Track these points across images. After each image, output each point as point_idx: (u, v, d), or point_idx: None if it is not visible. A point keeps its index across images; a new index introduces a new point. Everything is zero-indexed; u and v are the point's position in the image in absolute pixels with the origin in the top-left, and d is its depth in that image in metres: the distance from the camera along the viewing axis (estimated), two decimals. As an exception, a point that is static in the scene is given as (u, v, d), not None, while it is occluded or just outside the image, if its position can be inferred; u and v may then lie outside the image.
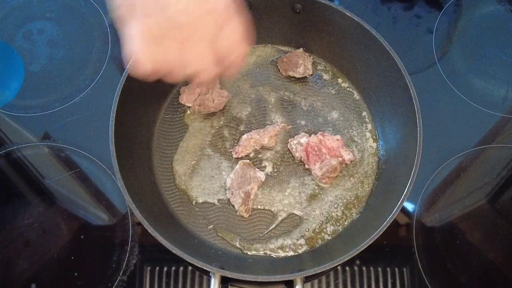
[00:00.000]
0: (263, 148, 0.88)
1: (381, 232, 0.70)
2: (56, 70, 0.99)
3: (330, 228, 0.83)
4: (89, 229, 0.87)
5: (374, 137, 0.90)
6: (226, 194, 0.84)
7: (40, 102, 0.96)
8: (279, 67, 0.94)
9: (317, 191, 0.85)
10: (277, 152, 0.88)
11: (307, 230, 0.83)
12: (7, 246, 0.86)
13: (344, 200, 0.84)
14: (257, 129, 0.88)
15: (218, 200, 0.85)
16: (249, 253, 0.81)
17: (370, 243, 0.69)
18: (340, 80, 0.94)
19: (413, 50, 1.03)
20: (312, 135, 0.87)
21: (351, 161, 0.86)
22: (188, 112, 0.91)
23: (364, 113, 0.92)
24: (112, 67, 0.99)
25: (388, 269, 0.86)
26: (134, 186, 0.77)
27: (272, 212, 0.84)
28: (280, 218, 0.83)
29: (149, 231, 0.70)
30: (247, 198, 0.82)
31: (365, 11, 1.06)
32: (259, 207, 0.85)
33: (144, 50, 0.54)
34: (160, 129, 0.90)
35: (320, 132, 0.88)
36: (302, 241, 0.82)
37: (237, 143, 0.88)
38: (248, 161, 0.86)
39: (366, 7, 1.07)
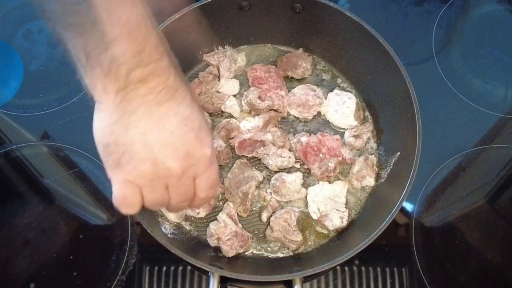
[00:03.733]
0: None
1: (380, 232, 0.70)
2: (56, 69, 0.99)
3: (329, 228, 0.83)
4: (88, 228, 0.87)
5: (374, 137, 0.90)
6: (224, 193, 0.84)
7: (39, 101, 0.96)
8: (278, 67, 0.94)
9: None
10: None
11: (306, 230, 0.83)
12: (6, 246, 0.86)
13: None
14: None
15: (218, 199, 0.85)
16: (248, 253, 0.81)
17: (369, 243, 0.70)
18: (339, 80, 0.94)
19: (412, 50, 1.03)
20: (312, 134, 0.87)
21: (351, 161, 0.86)
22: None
23: (364, 113, 0.92)
24: (111, 66, 0.99)
25: (387, 269, 0.86)
26: (133, 186, 0.77)
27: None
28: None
29: (148, 231, 0.70)
30: (245, 198, 0.82)
31: (365, 10, 1.06)
32: (258, 206, 0.85)
33: (132, 194, 0.57)
34: (160, 129, 0.90)
35: (319, 132, 0.88)
36: (301, 241, 0.81)
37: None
38: (245, 160, 0.86)
39: (365, 5, 1.08)
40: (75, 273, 0.84)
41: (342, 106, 0.89)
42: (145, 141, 0.54)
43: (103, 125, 0.56)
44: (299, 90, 0.91)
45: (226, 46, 0.95)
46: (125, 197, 0.56)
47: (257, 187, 0.85)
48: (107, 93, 0.53)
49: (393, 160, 0.83)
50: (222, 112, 0.91)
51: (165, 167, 0.55)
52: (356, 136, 0.88)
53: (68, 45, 0.52)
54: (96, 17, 0.48)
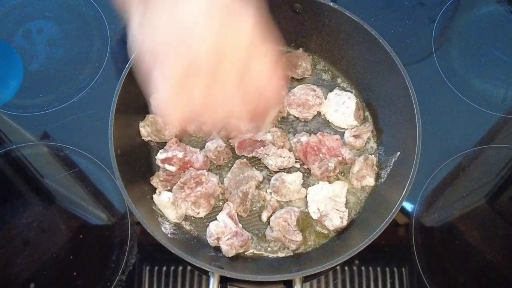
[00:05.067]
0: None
1: (380, 232, 0.70)
2: (55, 69, 0.99)
3: (329, 228, 0.82)
4: (88, 228, 0.87)
5: (374, 137, 0.90)
6: (224, 193, 0.84)
7: (39, 101, 0.96)
8: (278, 67, 0.94)
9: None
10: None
11: (306, 230, 0.83)
12: (6, 246, 0.86)
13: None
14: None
15: (218, 199, 0.85)
16: (248, 253, 0.81)
17: (369, 243, 0.70)
18: (339, 80, 0.94)
19: (412, 51, 1.03)
20: (312, 135, 0.87)
21: (351, 161, 0.86)
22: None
23: (364, 113, 0.92)
24: (111, 66, 0.99)
25: (387, 269, 0.86)
26: (133, 185, 0.77)
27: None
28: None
29: (148, 231, 0.70)
30: (245, 197, 0.82)
31: (364, 9, 1.06)
32: (258, 206, 0.85)
33: (172, 98, 0.50)
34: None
35: (319, 132, 0.88)
36: (301, 241, 0.81)
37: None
38: (245, 160, 0.86)
39: (365, 3, 1.07)
40: (75, 273, 0.84)
41: (342, 106, 0.89)
42: (170, 35, 0.48)
43: (134, 35, 0.51)
44: (299, 90, 0.91)
45: (226, 46, 0.94)
46: (164, 102, 0.50)
47: (257, 187, 0.85)
48: None
49: (393, 160, 0.83)
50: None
51: (192, 59, 0.48)
52: (356, 136, 0.88)
53: None
54: None
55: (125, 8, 0.51)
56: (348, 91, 0.92)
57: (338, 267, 0.86)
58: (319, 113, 0.91)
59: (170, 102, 0.51)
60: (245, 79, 0.51)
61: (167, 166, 0.83)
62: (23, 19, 1.04)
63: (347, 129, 0.90)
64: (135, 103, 0.84)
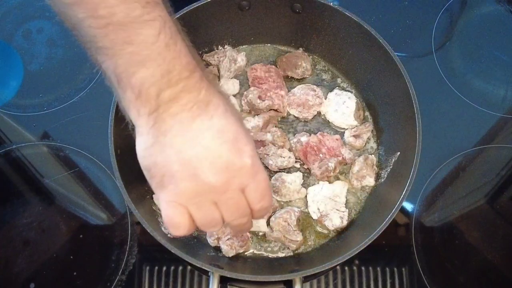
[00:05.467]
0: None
1: (380, 232, 0.70)
2: (55, 69, 0.99)
3: (329, 228, 0.83)
4: (88, 228, 0.87)
5: (374, 137, 0.90)
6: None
7: (39, 101, 0.96)
8: (278, 67, 0.94)
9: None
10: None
11: (306, 230, 0.83)
12: (6, 246, 0.86)
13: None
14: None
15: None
16: (248, 253, 0.81)
17: (369, 243, 0.70)
18: (339, 80, 0.94)
19: (412, 51, 1.03)
20: (312, 134, 0.87)
21: (351, 161, 0.86)
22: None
23: (364, 113, 0.92)
24: (111, 66, 0.99)
25: (387, 269, 0.86)
26: (133, 185, 0.77)
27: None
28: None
29: (148, 231, 0.70)
30: (246, 198, 0.82)
31: (365, 7, 1.06)
32: (258, 206, 0.85)
33: (178, 215, 0.55)
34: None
35: (319, 132, 0.88)
36: (301, 241, 0.81)
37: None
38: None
39: (365, 1, 1.07)
40: (75, 273, 0.84)
41: (342, 106, 0.89)
42: (182, 159, 0.53)
43: (142, 149, 0.56)
44: (299, 90, 0.91)
45: (226, 46, 0.95)
46: (171, 217, 0.55)
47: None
48: (140, 115, 0.53)
49: (393, 160, 0.83)
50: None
51: (204, 182, 0.54)
52: (356, 136, 0.88)
53: (102, 68, 0.52)
54: (125, 39, 0.48)
55: (133, 119, 0.54)
56: (348, 91, 0.93)
57: (338, 267, 0.86)
58: (319, 113, 0.91)
59: (172, 219, 0.56)
60: (247, 194, 0.57)
61: None
62: (23, 19, 1.04)
63: (347, 129, 0.90)
64: (135, 103, 0.84)
